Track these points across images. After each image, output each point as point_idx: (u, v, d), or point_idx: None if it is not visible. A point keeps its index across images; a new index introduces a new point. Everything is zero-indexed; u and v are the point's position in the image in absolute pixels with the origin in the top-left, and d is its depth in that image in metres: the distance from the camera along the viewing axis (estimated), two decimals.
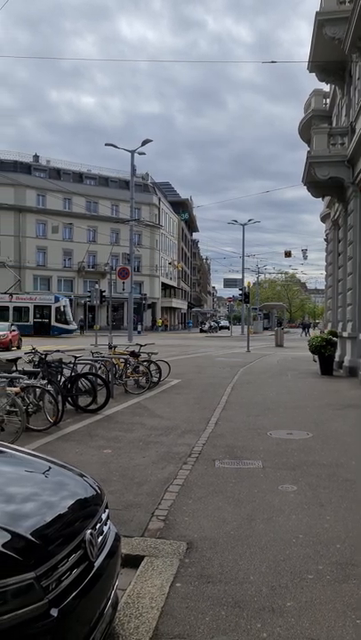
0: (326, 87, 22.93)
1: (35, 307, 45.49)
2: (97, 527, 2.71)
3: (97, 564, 2.55)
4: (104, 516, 2.88)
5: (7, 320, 38.80)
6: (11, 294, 46.32)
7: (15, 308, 45.28)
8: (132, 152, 33.85)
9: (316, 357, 17.50)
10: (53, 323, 44.72)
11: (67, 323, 46.08)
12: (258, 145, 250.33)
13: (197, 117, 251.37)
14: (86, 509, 2.77)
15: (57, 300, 46.39)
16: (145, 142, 32.96)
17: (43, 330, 43.83)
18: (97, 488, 3.03)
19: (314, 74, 18.67)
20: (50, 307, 45.26)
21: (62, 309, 45.78)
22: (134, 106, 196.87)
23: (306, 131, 22.63)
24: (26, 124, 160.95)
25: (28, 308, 45.55)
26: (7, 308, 44.99)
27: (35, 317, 45.08)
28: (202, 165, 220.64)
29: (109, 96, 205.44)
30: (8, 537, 2.19)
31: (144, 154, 34.08)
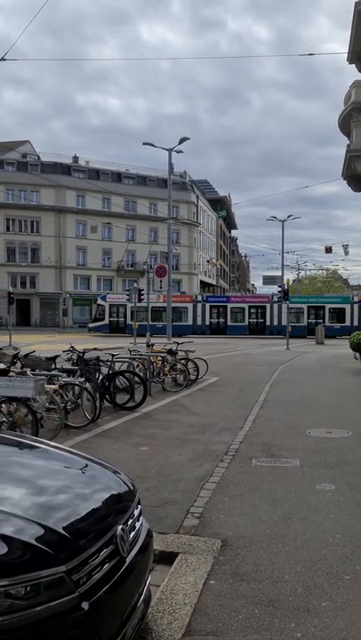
0: None
1: None
2: (129, 523, 2.74)
3: (128, 559, 2.58)
4: (136, 512, 2.91)
5: None
6: None
7: None
8: (170, 150, 33.81)
9: (358, 355, 17.17)
10: None
11: None
12: (285, 142, 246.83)
13: (223, 116, 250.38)
14: (118, 505, 2.80)
15: None
16: (182, 140, 32.79)
17: None
18: (130, 484, 3.05)
19: (352, 67, 18.34)
20: None
21: None
22: (159, 107, 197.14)
23: (346, 124, 22.18)
24: (55, 128, 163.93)
25: None
26: None
27: None
28: (231, 164, 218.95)
29: (134, 98, 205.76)
30: (41, 531, 2.24)
31: (182, 152, 33.74)
